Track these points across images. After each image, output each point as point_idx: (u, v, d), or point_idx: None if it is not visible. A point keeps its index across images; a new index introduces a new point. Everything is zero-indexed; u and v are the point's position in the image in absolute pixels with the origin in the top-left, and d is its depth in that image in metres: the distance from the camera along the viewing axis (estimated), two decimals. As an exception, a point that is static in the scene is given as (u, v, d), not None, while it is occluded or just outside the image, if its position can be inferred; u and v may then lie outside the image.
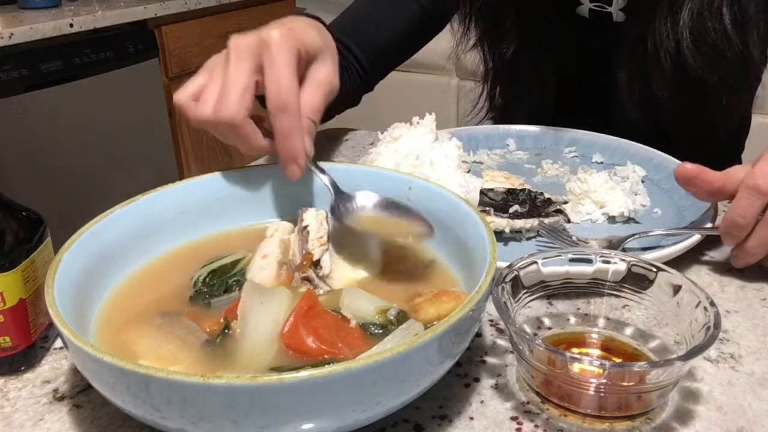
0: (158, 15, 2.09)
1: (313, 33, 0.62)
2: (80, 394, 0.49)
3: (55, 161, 1.91)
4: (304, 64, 0.60)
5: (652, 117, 0.92)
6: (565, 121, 0.95)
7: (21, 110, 1.80)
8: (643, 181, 0.78)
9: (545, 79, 0.97)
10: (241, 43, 0.57)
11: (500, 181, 0.71)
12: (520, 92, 1.01)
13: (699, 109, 0.91)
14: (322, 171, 0.60)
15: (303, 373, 0.35)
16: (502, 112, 1.07)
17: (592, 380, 0.44)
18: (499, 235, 0.68)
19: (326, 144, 1.01)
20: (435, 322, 0.47)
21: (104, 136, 2.03)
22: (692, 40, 0.80)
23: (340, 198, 0.59)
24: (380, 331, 0.47)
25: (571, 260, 0.53)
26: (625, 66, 0.89)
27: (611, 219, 0.72)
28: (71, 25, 1.87)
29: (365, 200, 0.58)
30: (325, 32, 0.65)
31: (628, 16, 0.90)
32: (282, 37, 0.57)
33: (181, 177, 0.62)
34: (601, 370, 0.44)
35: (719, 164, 0.64)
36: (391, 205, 0.58)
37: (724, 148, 1.07)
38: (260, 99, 0.58)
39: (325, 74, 0.61)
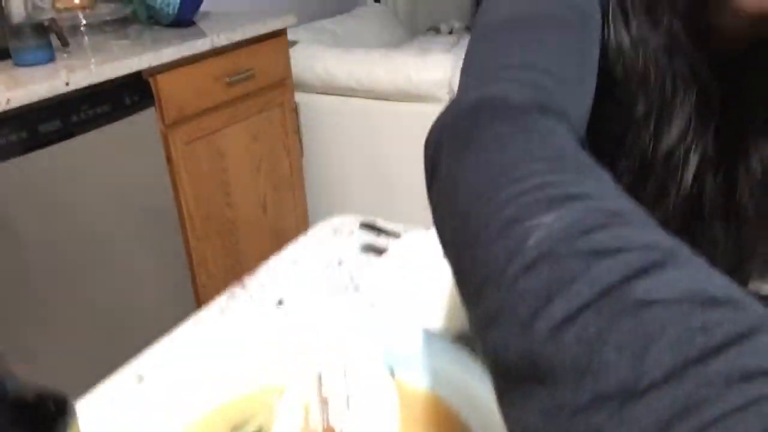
0: (152, 65, 2.08)
1: None
2: None
3: (56, 224, 1.90)
4: None
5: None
6: None
7: (20, 173, 1.80)
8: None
9: None
10: None
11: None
12: None
13: None
14: None
15: None
16: None
17: None
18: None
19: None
20: None
21: (103, 192, 2.02)
22: None
23: None
24: None
25: None
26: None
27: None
28: (67, 84, 1.86)
29: None
30: None
31: None
32: None
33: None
34: None
35: None
36: None
37: None
38: None
39: None
